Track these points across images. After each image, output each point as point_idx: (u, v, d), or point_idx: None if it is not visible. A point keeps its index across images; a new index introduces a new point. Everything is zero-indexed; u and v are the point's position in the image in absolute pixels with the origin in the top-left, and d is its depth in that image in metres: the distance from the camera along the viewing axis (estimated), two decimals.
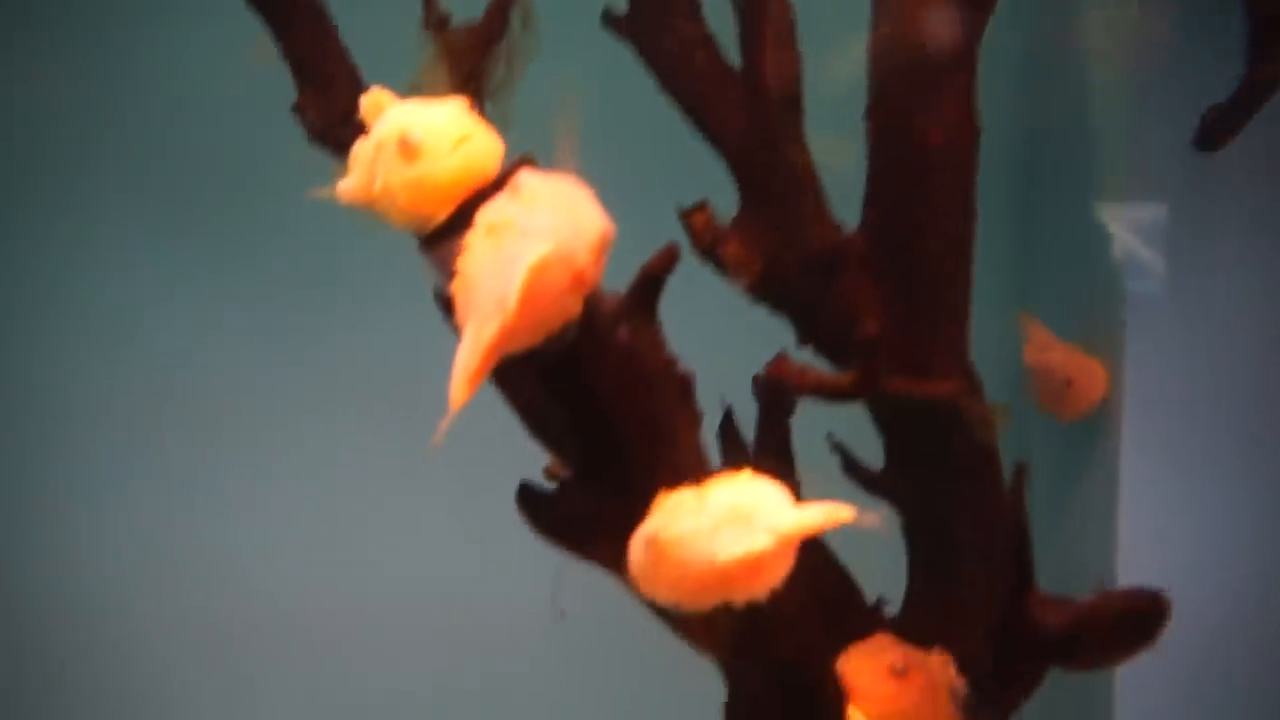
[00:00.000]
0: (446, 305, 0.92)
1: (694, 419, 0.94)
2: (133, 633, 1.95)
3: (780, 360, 1.03)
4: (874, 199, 1.06)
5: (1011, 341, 1.75)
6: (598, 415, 0.92)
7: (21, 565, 1.93)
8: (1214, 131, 1.22)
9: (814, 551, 1.10)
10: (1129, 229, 1.72)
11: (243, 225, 1.95)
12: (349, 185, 0.91)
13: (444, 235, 0.88)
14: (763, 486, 0.86)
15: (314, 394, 1.97)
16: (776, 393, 1.03)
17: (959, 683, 1.06)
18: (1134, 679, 1.62)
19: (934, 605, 1.12)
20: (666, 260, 0.90)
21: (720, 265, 1.12)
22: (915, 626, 1.10)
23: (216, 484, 1.97)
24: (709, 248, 1.11)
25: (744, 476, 0.87)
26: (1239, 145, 1.56)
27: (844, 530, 1.10)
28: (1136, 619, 1.04)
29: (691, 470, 0.90)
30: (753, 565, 0.83)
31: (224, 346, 1.97)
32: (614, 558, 0.90)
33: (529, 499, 0.97)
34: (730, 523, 0.83)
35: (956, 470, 1.04)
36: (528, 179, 0.85)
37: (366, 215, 0.92)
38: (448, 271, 0.86)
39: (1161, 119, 1.65)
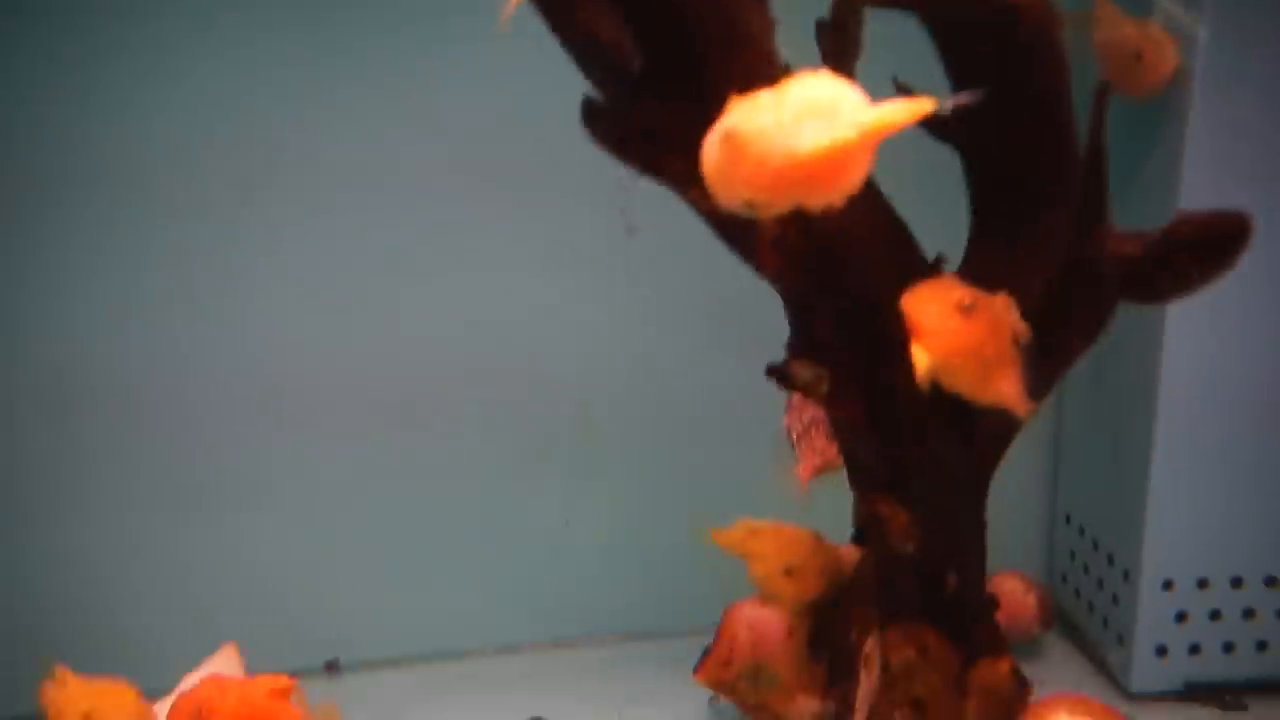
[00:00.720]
0: None
1: (769, 22, 0.90)
2: None
3: None
4: None
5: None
6: (668, 17, 0.87)
7: None
8: None
9: (875, 200, 1.08)
10: None
11: None
12: None
13: None
14: (841, 84, 0.82)
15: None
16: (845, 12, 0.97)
17: (1022, 325, 1.05)
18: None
19: (999, 250, 1.09)
20: None
21: None
22: (979, 273, 1.08)
23: None
24: None
25: (822, 75, 0.83)
26: None
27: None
28: (1216, 240, 1.01)
29: (767, 75, 0.87)
30: (834, 159, 0.80)
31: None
32: (685, 170, 0.87)
33: (595, 113, 0.93)
34: (811, 116, 0.80)
35: (1028, 96, 0.99)
36: None
37: None
38: None
39: None
